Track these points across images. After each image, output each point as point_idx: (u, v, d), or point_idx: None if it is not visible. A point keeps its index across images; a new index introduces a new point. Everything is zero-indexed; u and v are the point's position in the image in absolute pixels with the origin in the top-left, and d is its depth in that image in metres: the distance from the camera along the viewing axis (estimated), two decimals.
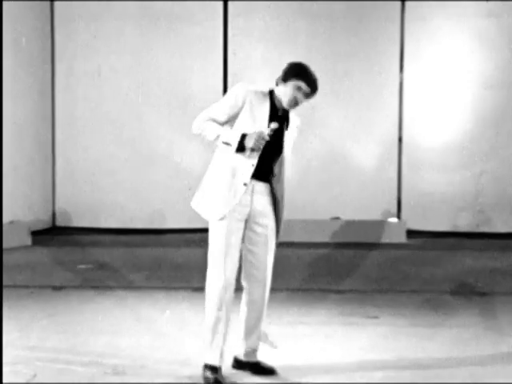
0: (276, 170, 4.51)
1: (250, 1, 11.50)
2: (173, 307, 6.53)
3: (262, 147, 4.34)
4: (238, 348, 4.71)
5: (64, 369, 4.71)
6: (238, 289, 4.58)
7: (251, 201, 4.46)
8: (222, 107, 4.44)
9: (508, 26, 11.28)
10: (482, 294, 7.18)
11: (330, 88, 11.41)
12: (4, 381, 4.42)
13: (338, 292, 7.24)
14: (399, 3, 11.46)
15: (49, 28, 11.53)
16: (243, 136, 4.33)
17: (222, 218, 4.39)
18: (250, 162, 4.40)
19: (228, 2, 11.55)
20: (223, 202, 4.40)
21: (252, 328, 4.64)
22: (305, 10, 11.44)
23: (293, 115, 4.60)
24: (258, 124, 4.38)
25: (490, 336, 5.64)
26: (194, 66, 11.56)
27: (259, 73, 10.93)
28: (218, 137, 4.37)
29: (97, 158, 11.60)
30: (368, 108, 11.52)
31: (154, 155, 11.56)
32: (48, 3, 11.53)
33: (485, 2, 11.16)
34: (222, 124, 4.43)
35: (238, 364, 4.71)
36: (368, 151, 11.52)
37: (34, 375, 4.55)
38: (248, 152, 4.36)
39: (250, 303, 4.60)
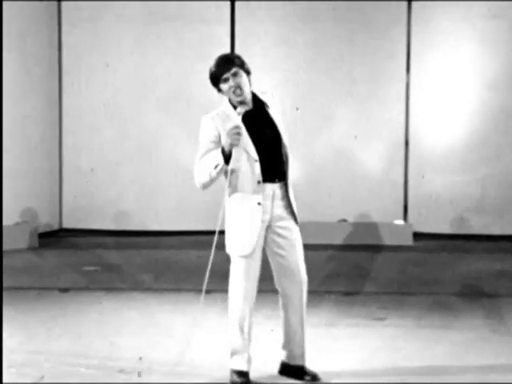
0: (284, 165, 4.46)
1: (258, 1, 11.48)
2: (180, 309, 6.53)
3: (239, 137, 4.27)
4: (282, 354, 4.67)
5: (71, 370, 4.72)
6: (262, 291, 4.58)
7: (272, 207, 4.44)
8: (207, 146, 4.40)
9: None
10: (488, 296, 7.17)
11: (336, 91, 11.41)
12: (11, 382, 4.44)
13: (345, 294, 7.24)
14: (405, 4, 11.43)
15: (56, 29, 11.52)
16: (222, 148, 4.31)
17: (247, 255, 4.41)
18: (255, 180, 4.37)
19: (235, 3, 11.54)
20: (246, 238, 4.39)
21: (294, 332, 4.58)
22: (311, 12, 11.41)
23: (265, 95, 4.57)
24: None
25: (496, 338, 5.63)
26: (200, 67, 11.51)
27: (267, 75, 10.87)
28: (209, 172, 4.33)
29: (104, 161, 11.58)
30: (374, 111, 11.48)
31: (161, 157, 11.54)
32: (55, 3, 11.53)
33: (491, 3, 11.12)
34: None
35: (284, 369, 4.67)
36: (374, 154, 11.48)
37: (42, 377, 4.57)
38: (233, 154, 4.28)
39: (289, 308, 4.55)
